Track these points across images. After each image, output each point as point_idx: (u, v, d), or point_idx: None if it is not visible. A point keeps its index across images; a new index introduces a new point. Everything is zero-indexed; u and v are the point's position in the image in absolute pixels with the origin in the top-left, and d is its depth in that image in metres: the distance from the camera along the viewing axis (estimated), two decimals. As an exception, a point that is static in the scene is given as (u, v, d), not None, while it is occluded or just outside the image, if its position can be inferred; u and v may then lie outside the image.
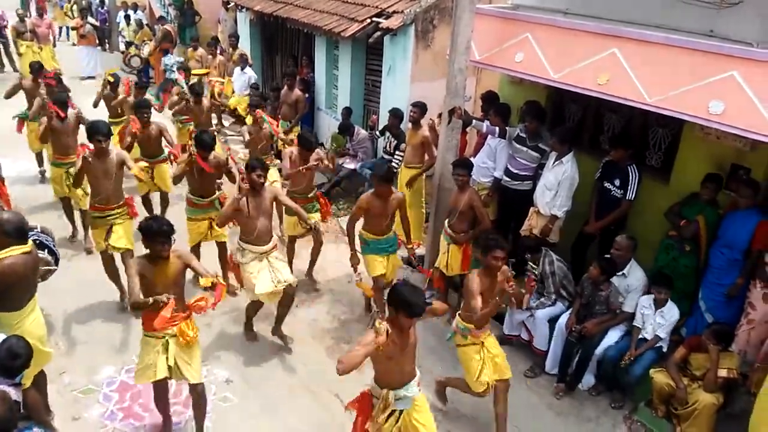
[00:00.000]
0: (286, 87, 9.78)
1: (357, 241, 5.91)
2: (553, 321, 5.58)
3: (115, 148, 6.21)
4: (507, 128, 6.45)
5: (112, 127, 7.88)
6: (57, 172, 7.32)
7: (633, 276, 5.31)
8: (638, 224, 5.83)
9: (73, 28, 16.47)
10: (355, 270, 5.86)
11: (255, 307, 5.77)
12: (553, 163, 5.98)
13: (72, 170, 6.95)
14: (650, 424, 4.97)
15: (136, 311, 4.60)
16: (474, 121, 6.57)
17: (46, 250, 4.62)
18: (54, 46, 15.04)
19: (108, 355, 5.49)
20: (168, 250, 4.21)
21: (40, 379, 4.41)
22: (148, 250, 4.23)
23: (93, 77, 14.72)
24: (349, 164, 9.20)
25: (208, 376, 5.18)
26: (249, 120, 10.83)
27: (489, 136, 6.68)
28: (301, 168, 6.33)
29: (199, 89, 9.03)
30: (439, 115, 6.97)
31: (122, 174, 6.00)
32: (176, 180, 6.33)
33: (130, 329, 5.82)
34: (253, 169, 5.34)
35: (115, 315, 6.10)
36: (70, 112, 7.30)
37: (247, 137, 7.68)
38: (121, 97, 8.91)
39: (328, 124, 10.78)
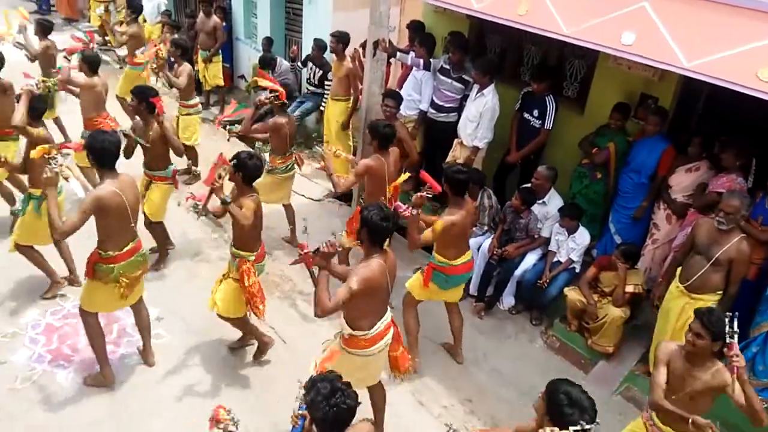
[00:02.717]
0: (202, 14, 9.32)
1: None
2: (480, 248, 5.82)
3: None
4: (431, 60, 6.47)
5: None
6: None
7: (552, 204, 5.57)
8: (557, 153, 6.10)
9: None
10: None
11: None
12: (476, 95, 6.08)
13: None
14: (564, 337, 5.38)
15: None
16: (399, 53, 6.54)
17: None
18: None
19: (31, 299, 5.32)
20: None
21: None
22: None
23: None
24: (273, 97, 8.98)
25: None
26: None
27: (415, 69, 6.68)
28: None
29: None
30: (362, 45, 6.88)
31: None
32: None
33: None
34: None
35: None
36: None
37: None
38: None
39: (247, 56, 10.38)
